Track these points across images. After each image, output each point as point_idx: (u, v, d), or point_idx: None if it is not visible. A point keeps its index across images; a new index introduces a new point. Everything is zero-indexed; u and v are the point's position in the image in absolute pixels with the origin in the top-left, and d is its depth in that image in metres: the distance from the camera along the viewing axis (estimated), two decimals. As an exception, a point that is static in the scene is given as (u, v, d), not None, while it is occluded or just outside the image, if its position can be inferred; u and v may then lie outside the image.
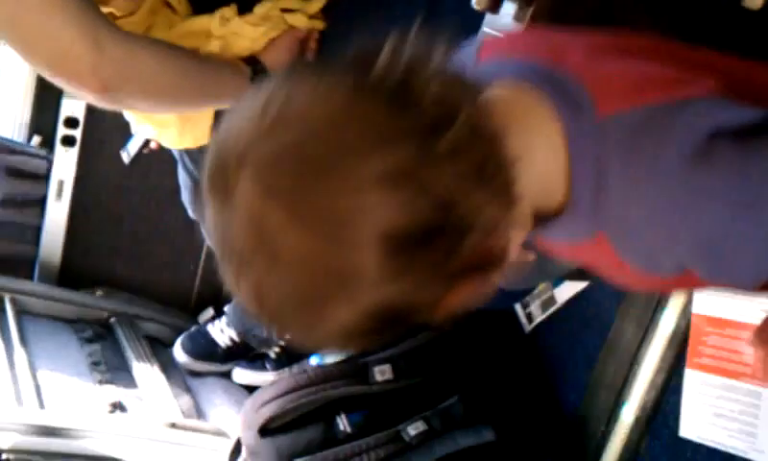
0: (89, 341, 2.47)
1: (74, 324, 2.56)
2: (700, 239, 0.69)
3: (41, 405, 2.13)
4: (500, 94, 0.72)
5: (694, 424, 1.60)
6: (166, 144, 2.03)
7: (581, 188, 0.71)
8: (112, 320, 2.57)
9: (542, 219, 0.76)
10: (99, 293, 2.76)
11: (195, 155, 2.00)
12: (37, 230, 2.79)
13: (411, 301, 0.65)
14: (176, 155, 2.12)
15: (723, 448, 1.57)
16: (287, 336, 0.79)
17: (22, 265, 2.79)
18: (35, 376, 2.24)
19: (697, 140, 0.66)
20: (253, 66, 1.73)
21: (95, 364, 2.35)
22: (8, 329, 2.38)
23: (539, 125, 0.72)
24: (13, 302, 2.50)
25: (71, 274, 2.81)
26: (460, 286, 0.67)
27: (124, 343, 2.46)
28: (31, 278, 2.80)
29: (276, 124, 0.62)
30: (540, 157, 0.72)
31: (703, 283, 0.81)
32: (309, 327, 0.69)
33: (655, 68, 0.72)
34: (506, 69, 0.75)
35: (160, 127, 1.94)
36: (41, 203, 2.77)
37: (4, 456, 1.98)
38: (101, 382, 2.28)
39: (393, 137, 0.61)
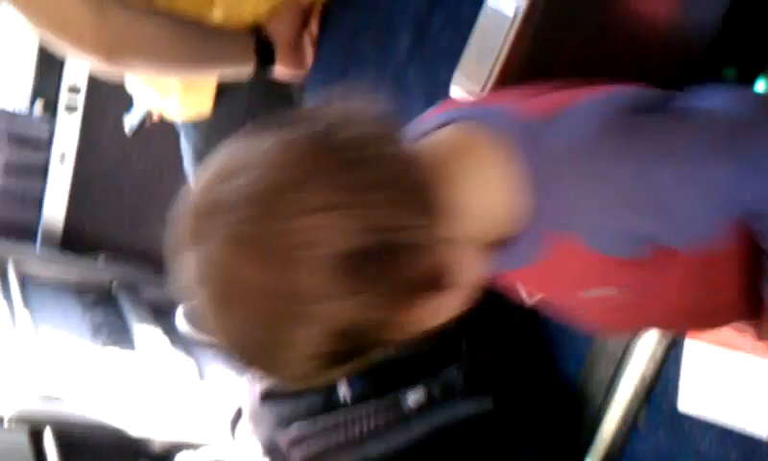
0: (92, 306, 2.48)
1: (76, 289, 2.58)
2: (639, 199, 0.75)
3: (44, 369, 2.15)
4: (441, 133, 0.80)
5: (693, 398, 1.60)
6: (168, 115, 2.03)
7: (533, 197, 0.76)
8: (114, 285, 2.59)
9: (498, 248, 0.80)
10: (101, 259, 2.77)
11: (197, 125, 1.99)
12: (40, 197, 2.80)
13: (366, 318, 0.71)
14: (178, 126, 2.11)
15: (721, 423, 1.57)
16: (261, 374, 0.83)
17: (25, 231, 2.80)
18: (37, 339, 2.26)
19: (606, 117, 0.75)
20: (257, 35, 1.72)
21: (97, 328, 2.36)
22: (10, 293, 2.39)
23: (477, 155, 0.77)
24: (16, 266, 2.51)
25: (74, 240, 2.83)
26: (413, 305, 0.74)
27: (126, 308, 2.48)
28: (33, 244, 2.81)
29: (233, 175, 0.72)
30: (481, 183, 0.77)
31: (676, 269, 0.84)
32: (277, 358, 0.74)
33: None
34: (449, 115, 0.82)
35: (163, 93, 1.94)
36: (44, 169, 2.78)
37: (6, 424, 2.00)
38: (103, 345, 2.29)
39: (328, 175, 0.70)
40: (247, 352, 0.76)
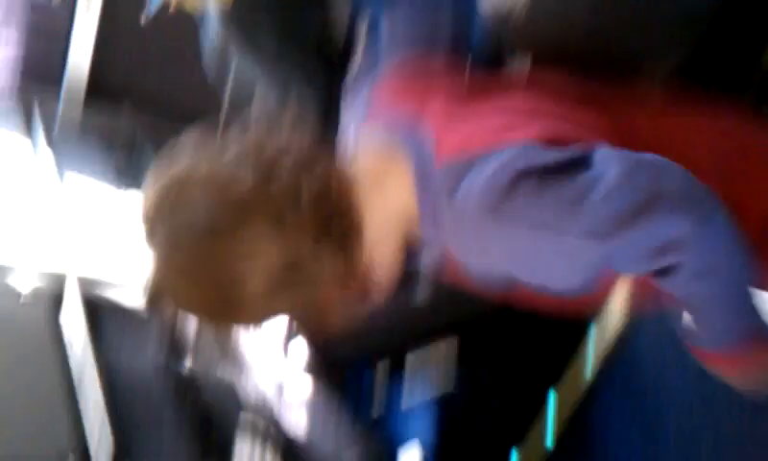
0: (115, 152, 2.50)
1: (101, 135, 2.60)
2: (512, 257, 0.86)
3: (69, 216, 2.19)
4: (364, 154, 0.93)
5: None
6: (187, 5, 2.00)
7: (426, 226, 0.89)
8: (138, 133, 2.60)
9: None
10: (126, 106, 2.77)
11: (217, 19, 1.95)
12: (66, 43, 2.78)
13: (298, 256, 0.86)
14: (198, 20, 2.07)
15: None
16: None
17: (51, 76, 2.80)
18: (61, 181, 2.29)
19: (500, 182, 0.81)
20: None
21: (120, 171, 2.39)
22: (36, 132, 2.42)
23: (393, 178, 0.90)
24: (42, 109, 2.53)
25: (99, 87, 2.82)
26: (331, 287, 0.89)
27: (149, 155, 2.50)
28: (59, 86, 2.81)
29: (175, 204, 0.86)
30: (393, 197, 0.90)
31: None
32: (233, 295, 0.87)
33: (489, 118, 0.88)
34: (378, 124, 0.94)
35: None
36: (71, 15, 2.75)
37: (22, 299, 2.05)
38: (126, 187, 2.32)
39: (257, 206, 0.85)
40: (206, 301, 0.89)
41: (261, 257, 0.84)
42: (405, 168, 0.88)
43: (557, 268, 0.85)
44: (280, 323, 2.35)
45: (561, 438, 2.29)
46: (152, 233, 0.87)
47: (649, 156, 0.82)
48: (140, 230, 0.88)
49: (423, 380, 2.54)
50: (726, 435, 1.94)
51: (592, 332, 2.01)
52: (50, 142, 2.36)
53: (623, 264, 0.84)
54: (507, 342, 1.98)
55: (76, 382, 1.85)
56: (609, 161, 0.81)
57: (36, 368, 1.85)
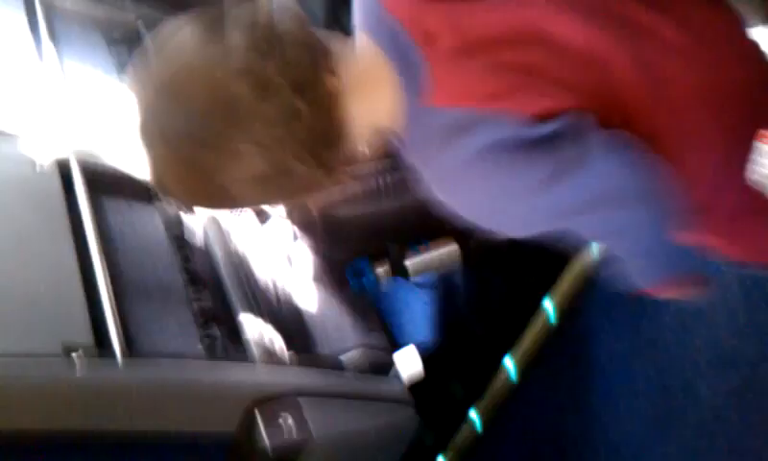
0: (117, 43, 2.47)
1: (102, 26, 2.56)
2: (473, 211, 0.95)
3: (70, 106, 2.18)
4: (362, 61, 0.95)
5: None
6: None
7: (407, 151, 0.96)
8: (140, 23, 2.56)
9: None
10: (128, -2, 2.72)
11: None
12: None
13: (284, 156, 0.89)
14: None
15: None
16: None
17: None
18: (63, 72, 2.27)
19: (479, 148, 0.88)
20: None
21: (122, 66, 2.37)
22: (37, 25, 2.38)
23: (383, 93, 0.94)
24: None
25: (100, -25, 2.76)
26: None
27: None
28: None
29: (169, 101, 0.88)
30: (382, 109, 0.95)
31: None
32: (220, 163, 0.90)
33: (490, 75, 0.91)
34: (382, 33, 0.95)
35: None
36: None
37: (38, 167, 2.06)
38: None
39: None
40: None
41: (246, 168, 0.88)
42: (394, 88, 0.93)
43: (515, 225, 0.96)
44: (283, 232, 2.36)
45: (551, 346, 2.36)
46: (144, 130, 0.91)
47: (624, 156, 0.88)
48: (134, 123, 0.91)
49: (423, 285, 2.59)
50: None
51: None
52: (52, 36, 2.33)
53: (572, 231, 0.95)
54: (503, 251, 2.00)
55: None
56: (590, 150, 0.87)
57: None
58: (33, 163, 1.98)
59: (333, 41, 0.95)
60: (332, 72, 0.91)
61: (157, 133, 0.89)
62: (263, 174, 0.89)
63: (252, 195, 0.93)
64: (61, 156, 2.03)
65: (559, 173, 0.86)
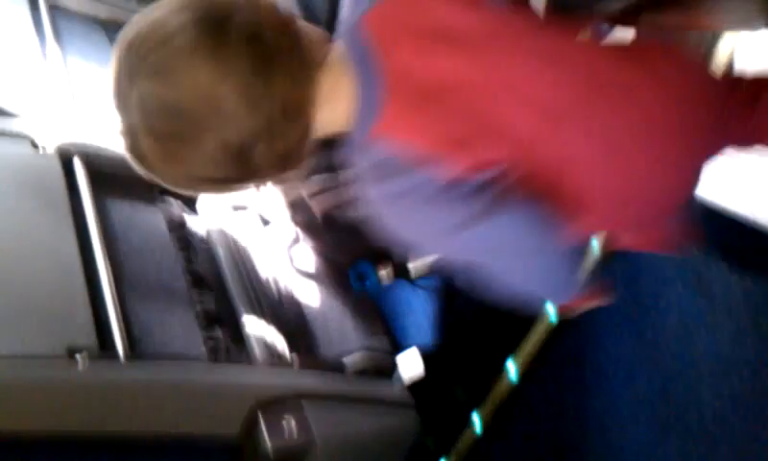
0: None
1: (106, 24, 2.56)
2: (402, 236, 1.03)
3: (73, 100, 2.18)
4: (335, 71, 0.98)
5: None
6: None
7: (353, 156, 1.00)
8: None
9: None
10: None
11: None
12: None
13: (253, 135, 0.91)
14: None
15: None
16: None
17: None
18: (66, 70, 2.27)
19: (409, 188, 0.96)
20: None
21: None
22: (41, 24, 2.38)
23: (344, 103, 0.98)
24: (45, -7, 2.47)
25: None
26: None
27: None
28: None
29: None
30: (339, 111, 0.99)
31: None
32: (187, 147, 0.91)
33: (429, 130, 0.97)
34: (353, 43, 1.00)
35: None
36: None
37: (41, 150, 2.06)
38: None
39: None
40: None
41: (209, 159, 0.91)
42: (353, 101, 0.98)
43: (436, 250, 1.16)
44: (286, 230, 2.36)
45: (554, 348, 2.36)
46: (122, 95, 0.90)
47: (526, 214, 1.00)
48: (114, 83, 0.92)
49: (425, 287, 2.59)
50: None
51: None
52: (56, 34, 2.33)
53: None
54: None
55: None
56: (498, 207, 0.97)
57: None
58: (36, 156, 1.99)
59: (321, 48, 0.98)
60: (316, 86, 0.95)
61: (137, 102, 0.89)
62: (224, 160, 0.92)
63: (210, 173, 0.95)
64: (64, 148, 2.04)
65: (469, 222, 0.97)
